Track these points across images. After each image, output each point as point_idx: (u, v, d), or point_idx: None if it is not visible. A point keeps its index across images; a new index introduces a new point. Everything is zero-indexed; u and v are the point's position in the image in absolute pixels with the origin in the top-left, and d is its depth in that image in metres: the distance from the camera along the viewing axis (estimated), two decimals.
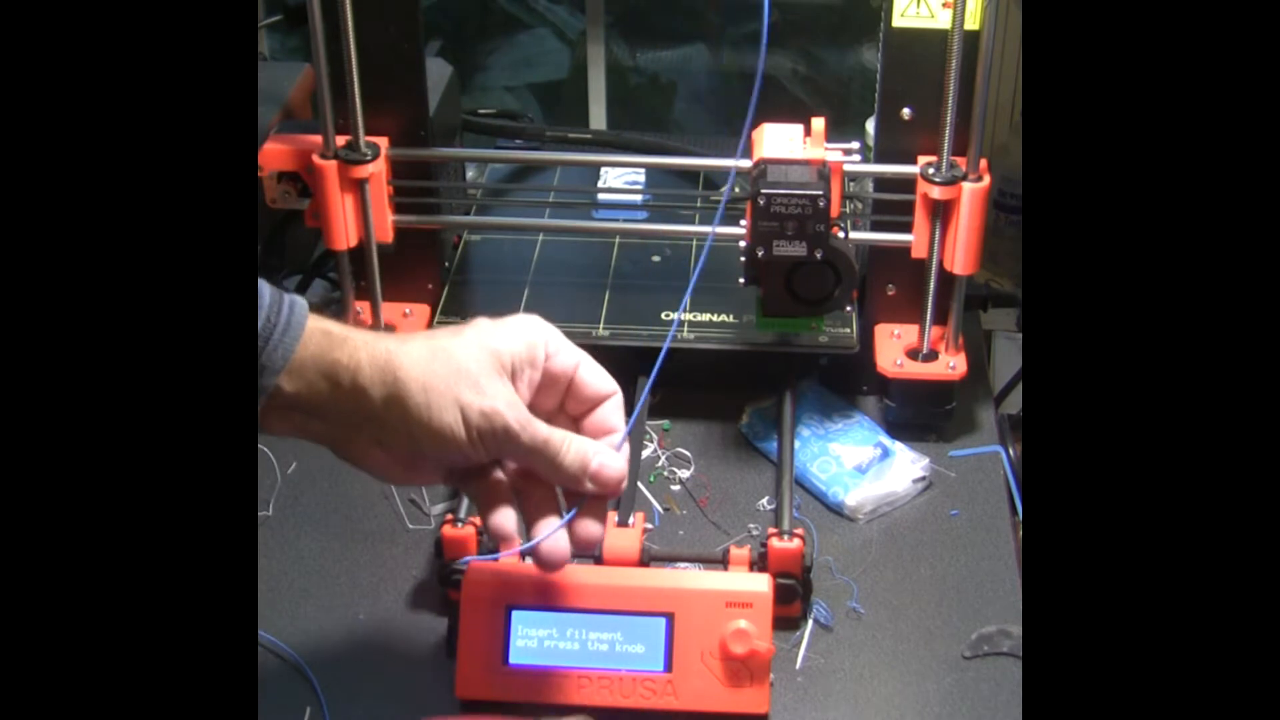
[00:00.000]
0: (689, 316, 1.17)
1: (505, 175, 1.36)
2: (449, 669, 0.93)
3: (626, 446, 0.80)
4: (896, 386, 1.13)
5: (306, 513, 1.08)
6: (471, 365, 0.74)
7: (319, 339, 0.73)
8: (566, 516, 0.80)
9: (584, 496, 0.79)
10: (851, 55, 1.92)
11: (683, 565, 0.98)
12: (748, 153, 1.05)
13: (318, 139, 1.09)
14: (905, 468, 1.09)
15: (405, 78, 1.11)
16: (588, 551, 0.84)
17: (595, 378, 0.79)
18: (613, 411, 0.80)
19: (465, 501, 1.00)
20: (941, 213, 1.07)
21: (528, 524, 0.80)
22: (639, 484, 1.08)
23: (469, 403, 0.74)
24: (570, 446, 0.77)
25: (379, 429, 0.74)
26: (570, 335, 1.14)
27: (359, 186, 1.10)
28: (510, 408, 0.75)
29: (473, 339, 0.76)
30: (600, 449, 0.78)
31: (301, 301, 0.74)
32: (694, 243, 1.25)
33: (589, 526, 0.80)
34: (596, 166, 1.34)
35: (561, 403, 0.80)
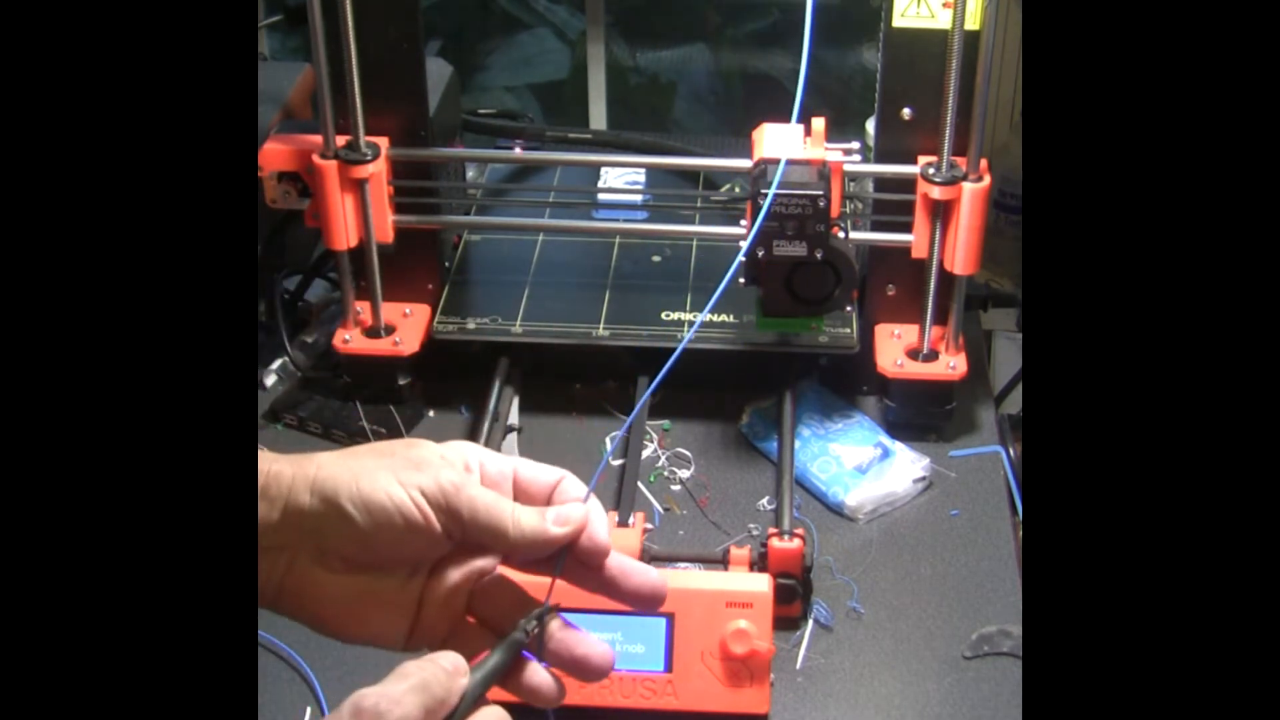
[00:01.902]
0: (689, 316, 1.17)
1: (505, 175, 1.36)
2: None
3: (598, 506, 0.70)
4: (896, 386, 1.13)
5: None
6: (398, 449, 0.68)
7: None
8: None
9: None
10: (851, 55, 1.92)
11: (683, 565, 0.98)
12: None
13: (318, 139, 1.09)
14: (905, 468, 1.09)
15: (405, 78, 1.11)
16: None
17: (537, 471, 0.70)
18: (572, 487, 0.70)
19: None
20: (941, 213, 1.07)
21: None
22: (639, 484, 1.08)
23: (407, 479, 0.66)
24: (521, 512, 0.67)
25: (315, 536, 0.67)
26: (570, 335, 1.15)
27: (359, 186, 1.10)
28: (449, 472, 0.67)
29: (398, 448, 0.69)
30: (556, 514, 0.68)
31: None
32: (694, 243, 1.26)
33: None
34: (596, 166, 1.34)
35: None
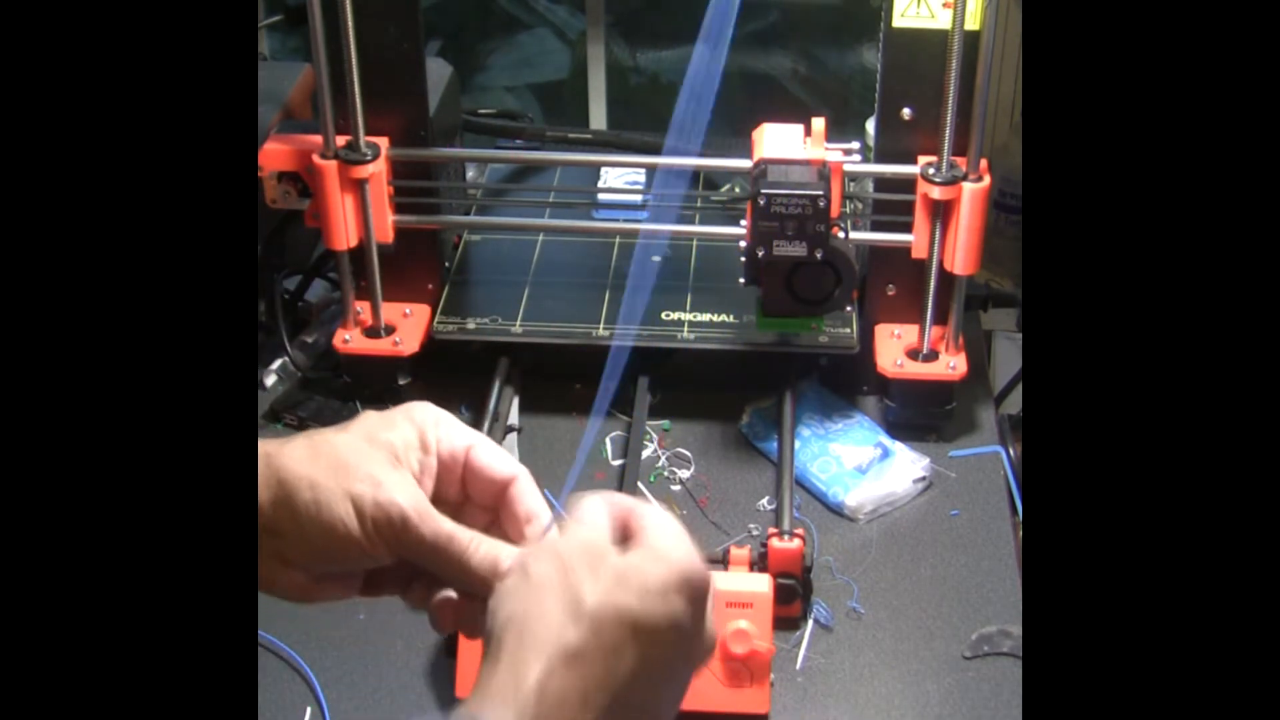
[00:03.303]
0: (689, 316, 1.17)
1: (505, 175, 1.36)
2: (449, 669, 0.93)
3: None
4: (896, 386, 1.13)
5: None
6: (361, 458, 0.67)
7: None
8: None
9: None
10: (851, 55, 1.92)
11: None
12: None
13: (318, 139, 1.09)
14: (905, 468, 1.09)
15: (405, 78, 1.11)
16: None
17: (493, 458, 0.69)
18: (526, 494, 0.69)
19: None
20: (941, 213, 1.07)
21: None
22: (639, 484, 1.08)
23: (361, 494, 0.65)
24: (479, 546, 0.66)
25: (275, 539, 0.67)
26: (570, 335, 1.15)
27: (359, 186, 1.10)
28: (408, 498, 0.66)
29: (358, 431, 0.68)
30: (514, 552, 0.67)
31: None
32: (694, 243, 1.25)
33: None
34: (596, 166, 1.34)
35: (464, 490, 0.70)
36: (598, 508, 0.64)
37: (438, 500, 0.68)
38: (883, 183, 1.11)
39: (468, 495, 0.70)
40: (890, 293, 1.14)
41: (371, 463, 0.66)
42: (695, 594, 0.62)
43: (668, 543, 0.63)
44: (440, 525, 0.66)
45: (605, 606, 0.60)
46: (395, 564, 0.68)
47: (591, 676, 0.59)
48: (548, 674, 0.58)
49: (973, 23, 1.01)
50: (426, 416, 0.69)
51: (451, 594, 0.68)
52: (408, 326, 1.17)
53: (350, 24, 1.04)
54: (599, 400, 0.68)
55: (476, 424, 1.11)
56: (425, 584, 0.69)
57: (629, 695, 0.60)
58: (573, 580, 0.60)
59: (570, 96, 1.83)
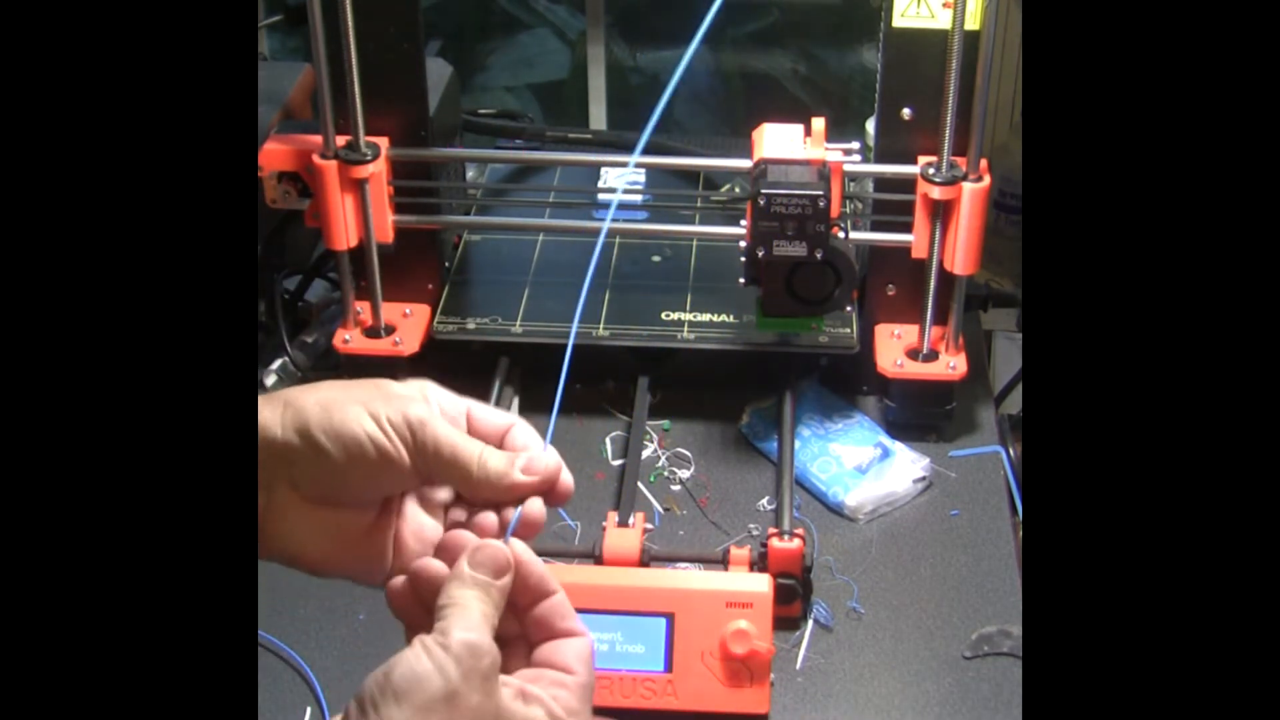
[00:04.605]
0: (689, 316, 1.17)
1: (505, 175, 1.36)
2: None
3: (555, 454, 0.70)
4: (896, 386, 1.13)
5: None
6: (365, 384, 0.69)
7: None
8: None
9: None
10: (851, 55, 1.92)
11: (683, 565, 0.98)
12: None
13: (318, 139, 1.09)
14: (905, 468, 1.09)
15: (405, 78, 1.11)
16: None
17: (489, 414, 0.71)
18: (522, 434, 0.71)
19: None
20: (941, 213, 1.07)
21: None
22: (639, 484, 1.08)
23: (374, 402, 0.67)
24: (488, 456, 0.68)
25: (288, 467, 0.68)
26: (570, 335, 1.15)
27: (359, 186, 1.10)
28: (417, 407, 0.68)
29: (361, 383, 0.70)
30: (526, 452, 0.69)
31: None
32: (694, 243, 1.26)
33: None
34: (596, 166, 1.34)
35: None
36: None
37: None
38: (883, 183, 1.11)
39: None
40: (890, 293, 1.14)
41: (378, 386, 0.69)
42: None
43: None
44: (451, 430, 0.68)
45: None
46: (403, 492, 0.70)
47: None
48: None
49: (973, 23, 1.01)
50: (423, 384, 0.71)
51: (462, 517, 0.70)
52: (408, 326, 1.17)
53: (350, 24, 1.04)
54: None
55: None
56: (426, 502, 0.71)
57: None
58: None
59: (570, 96, 1.83)
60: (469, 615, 0.64)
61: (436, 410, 0.69)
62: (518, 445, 0.70)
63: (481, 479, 0.68)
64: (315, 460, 0.67)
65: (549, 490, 0.69)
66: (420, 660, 0.62)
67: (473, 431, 0.70)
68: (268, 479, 0.68)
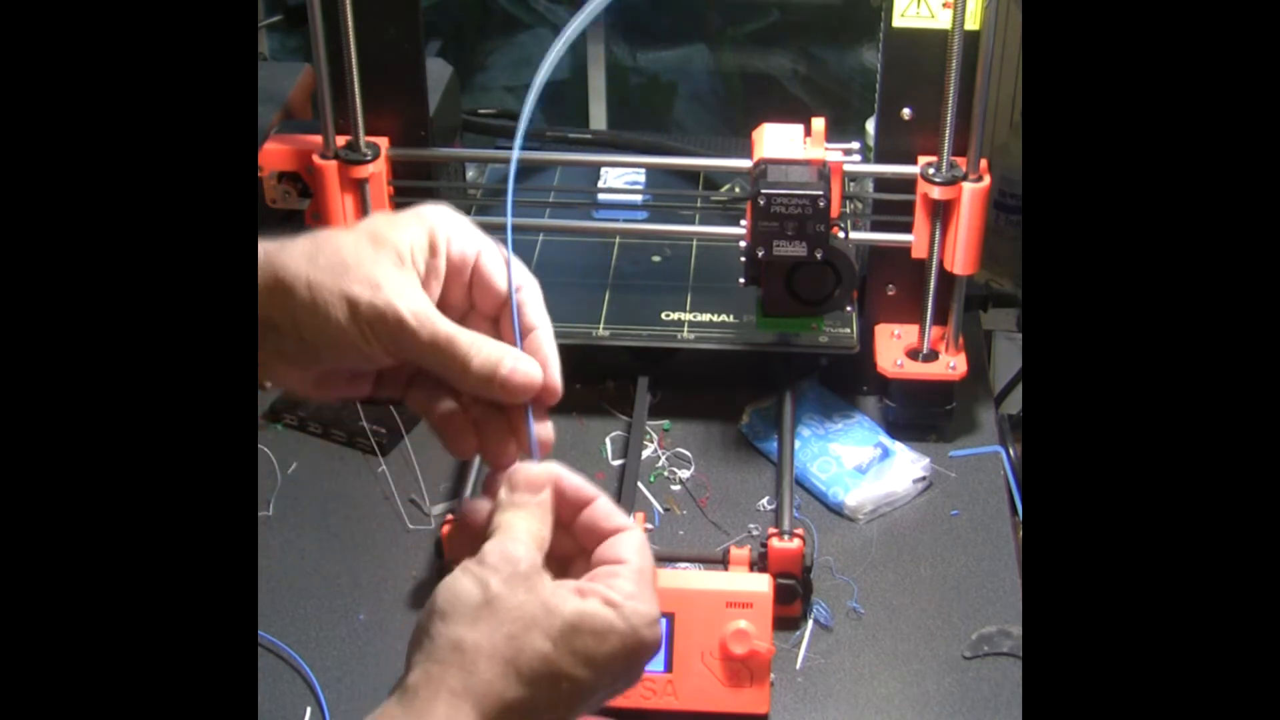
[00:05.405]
0: (689, 316, 1.17)
1: (505, 175, 1.36)
2: None
3: (554, 349, 0.70)
4: (896, 386, 1.13)
5: (306, 513, 1.08)
6: (362, 259, 0.66)
7: None
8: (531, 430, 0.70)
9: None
10: (851, 55, 1.92)
11: (683, 565, 0.98)
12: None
13: (318, 139, 1.09)
14: (905, 468, 1.09)
15: (405, 78, 1.11)
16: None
17: (496, 267, 0.70)
18: (529, 304, 0.70)
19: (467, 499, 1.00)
20: (941, 213, 1.07)
21: (489, 459, 0.71)
22: (639, 484, 1.08)
23: (357, 295, 0.65)
24: (479, 349, 0.67)
25: (273, 334, 0.66)
26: (570, 335, 1.15)
27: (359, 187, 1.10)
28: (407, 301, 0.65)
29: (364, 231, 0.68)
30: (516, 354, 0.68)
31: None
32: (694, 243, 1.26)
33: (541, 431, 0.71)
34: (596, 166, 1.34)
35: (470, 299, 0.70)
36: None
37: (445, 305, 0.68)
38: (883, 183, 1.11)
39: (473, 303, 0.70)
40: (890, 293, 1.14)
41: (373, 264, 0.66)
42: (641, 661, 0.64)
43: (631, 607, 0.64)
44: (439, 327, 0.66)
45: (553, 671, 0.62)
46: (399, 365, 0.68)
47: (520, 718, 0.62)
48: None
49: (973, 23, 1.01)
50: (437, 218, 0.69)
51: (454, 405, 0.69)
52: None
53: (350, 24, 1.04)
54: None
55: None
56: (426, 389, 0.70)
57: None
58: (524, 643, 0.62)
59: (570, 96, 1.83)
60: (512, 532, 0.65)
61: (441, 259, 0.68)
62: (520, 316, 0.69)
63: (465, 379, 0.67)
64: (297, 341, 0.67)
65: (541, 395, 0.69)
66: (458, 580, 0.63)
67: (476, 281, 0.69)
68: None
